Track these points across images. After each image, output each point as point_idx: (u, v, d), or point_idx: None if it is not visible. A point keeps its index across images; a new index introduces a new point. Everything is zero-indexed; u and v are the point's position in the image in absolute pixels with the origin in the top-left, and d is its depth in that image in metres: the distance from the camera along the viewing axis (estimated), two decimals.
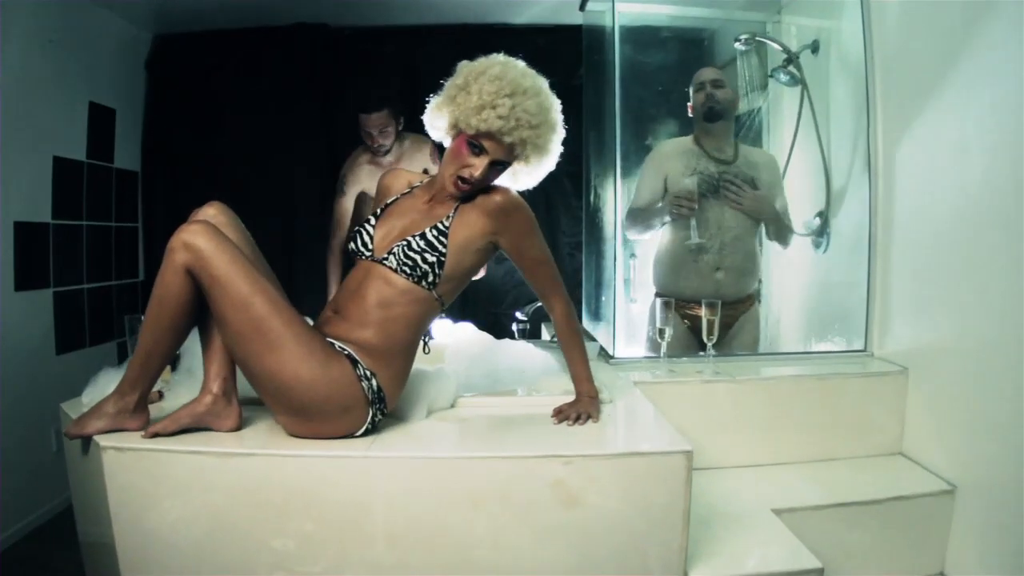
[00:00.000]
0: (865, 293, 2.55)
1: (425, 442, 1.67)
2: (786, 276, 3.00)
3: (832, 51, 2.76)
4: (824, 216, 2.75)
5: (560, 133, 1.75)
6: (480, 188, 1.74)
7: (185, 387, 1.88)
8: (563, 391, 1.93)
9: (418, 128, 1.86)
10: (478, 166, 1.69)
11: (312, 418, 1.62)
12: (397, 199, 1.87)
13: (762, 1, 3.03)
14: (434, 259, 1.69)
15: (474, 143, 1.68)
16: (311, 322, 1.89)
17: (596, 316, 2.82)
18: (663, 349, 2.28)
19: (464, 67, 1.72)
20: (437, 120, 1.76)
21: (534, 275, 1.81)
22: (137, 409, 1.67)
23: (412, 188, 1.89)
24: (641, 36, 2.92)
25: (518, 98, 1.66)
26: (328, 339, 1.67)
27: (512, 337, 2.58)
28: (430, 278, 1.69)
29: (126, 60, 3.59)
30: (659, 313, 2.24)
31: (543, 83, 1.72)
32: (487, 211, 1.72)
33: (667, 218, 2.67)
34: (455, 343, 2.27)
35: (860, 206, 2.58)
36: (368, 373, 1.65)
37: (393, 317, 1.69)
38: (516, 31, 3.60)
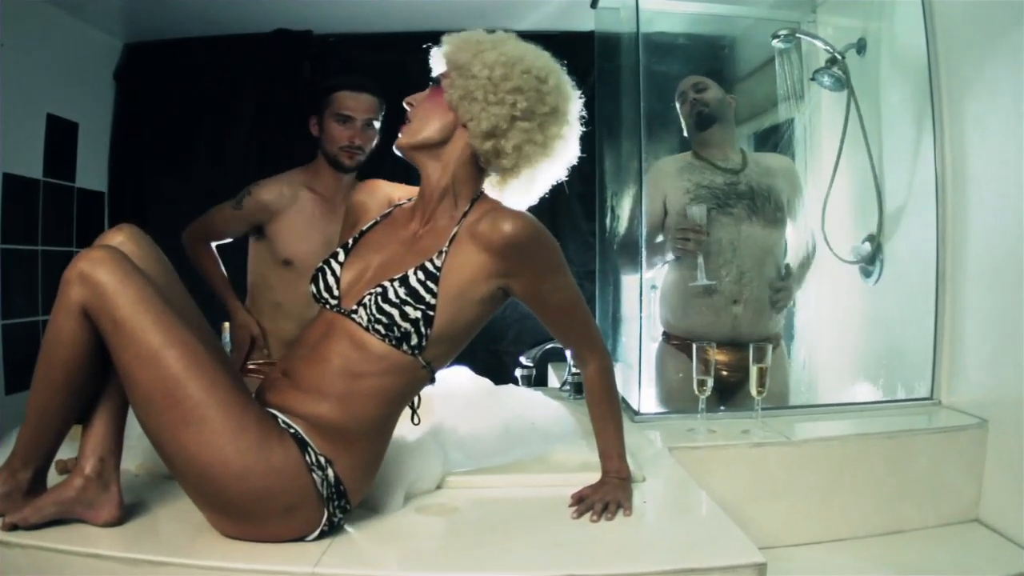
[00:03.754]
0: (931, 331, 2.07)
1: (399, 549, 1.18)
2: (827, 309, 2.52)
3: (882, 51, 2.31)
4: (876, 241, 2.28)
5: (553, 92, 1.32)
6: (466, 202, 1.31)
7: None
8: (581, 463, 1.45)
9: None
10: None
11: (245, 518, 1.14)
12: (375, 224, 1.40)
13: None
14: (418, 315, 1.21)
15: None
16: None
17: (612, 358, 2.34)
18: (701, 404, 1.80)
19: None
20: None
21: (561, 325, 1.34)
22: (33, 489, 1.23)
23: (393, 208, 1.42)
24: (658, 43, 2.49)
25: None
26: (270, 410, 1.20)
27: (516, 384, 2.10)
28: (413, 340, 1.21)
29: (92, 70, 3.13)
30: (696, 360, 1.76)
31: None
32: (492, 246, 1.23)
33: (669, 256, 2.19)
34: (447, 392, 1.79)
35: (921, 229, 2.11)
36: (322, 460, 1.17)
37: (362, 391, 1.21)
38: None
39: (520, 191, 1.34)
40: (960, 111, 2.01)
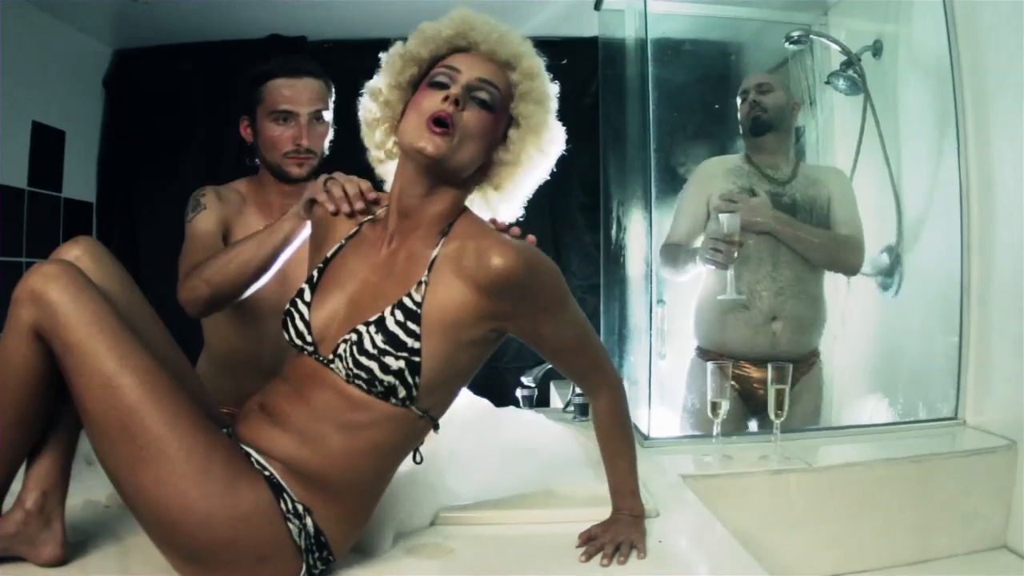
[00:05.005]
0: (955, 346, 1.94)
1: None
2: (842, 323, 2.38)
3: (899, 54, 2.20)
4: (894, 252, 2.15)
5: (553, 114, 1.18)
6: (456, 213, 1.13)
7: (78, 482, 1.25)
8: (589, 496, 1.32)
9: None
10: (434, 95, 1.06)
11: (211, 567, 1.00)
12: (342, 247, 1.19)
13: (805, 1, 2.47)
14: (401, 364, 1.03)
15: (438, 77, 1.09)
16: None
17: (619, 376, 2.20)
18: (716, 428, 1.67)
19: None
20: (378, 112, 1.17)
21: (566, 364, 1.19)
22: None
23: (360, 226, 1.22)
24: (663, 47, 2.37)
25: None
26: (244, 447, 1.06)
27: (516, 405, 1.97)
28: (401, 393, 1.04)
29: (80, 76, 3.01)
30: (711, 381, 1.62)
31: None
32: (480, 284, 1.03)
33: (699, 264, 2.02)
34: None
35: (944, 239, 1.99)
36: (299, 508, 1.02)
37: (350, 443, 1.06)
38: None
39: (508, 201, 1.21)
40: (985, 115, 1.90)
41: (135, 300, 1.13)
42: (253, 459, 1.04)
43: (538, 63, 1.13)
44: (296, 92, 1.63)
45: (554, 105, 1.16)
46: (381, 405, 1.05)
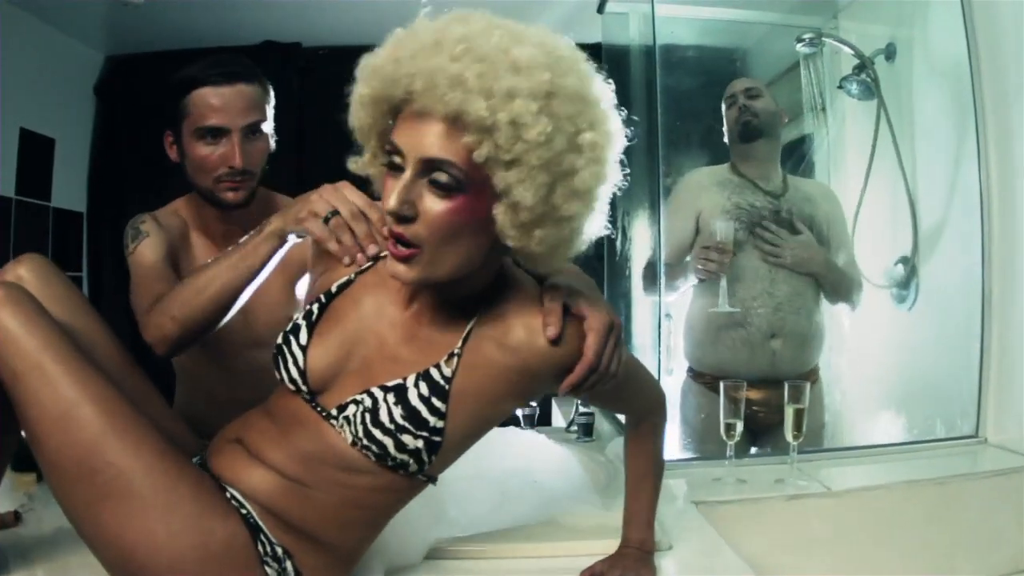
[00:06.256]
0: (976, 361, 1.87)
1: None
2: (854, 337, 2.30)
3: (914, 57, 2.12)
4: (910, 263, 2.07)
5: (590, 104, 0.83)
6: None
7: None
8: (596, 526, 1.22)
9: None
10: (391, 190, 0.82)
11: None
12: (350, 283, 1.01)
13: (814, 4, 2.39)
14: (419, 444, 0.90)
15: (391, 157, 0.84)
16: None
17: None
18: (729, 451, 1.57)
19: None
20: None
21: (615, 406, 1.23)
22: None
23: (375, 260, 1.02)
24: (668, 52, 2.29)
25: (434, 51, 0.79)
26: (216, 478, 0.96)
27: (517, 424, 1.87)
28: (412, 468, 0.93)
29: (70, 83, 2.94)
30: (724, 402, 1.53)
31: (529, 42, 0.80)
32: (530, 368, 0.90)
33: (691, 278, 1.95)
34: None
35: (963, 249, 1.92)
36: (278, 551, 0.92)
37: (340, 502, 0.95)
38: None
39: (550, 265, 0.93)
40: (1007, 120, 1.83)
41: (87, 318, 1.05)
42: (229, 494, 0.94)
43: (496, 101, 0.76)
44: (226, 102, 1.37)
45: (551, 150, 0.78)
46: (385, 474, 0.94)
